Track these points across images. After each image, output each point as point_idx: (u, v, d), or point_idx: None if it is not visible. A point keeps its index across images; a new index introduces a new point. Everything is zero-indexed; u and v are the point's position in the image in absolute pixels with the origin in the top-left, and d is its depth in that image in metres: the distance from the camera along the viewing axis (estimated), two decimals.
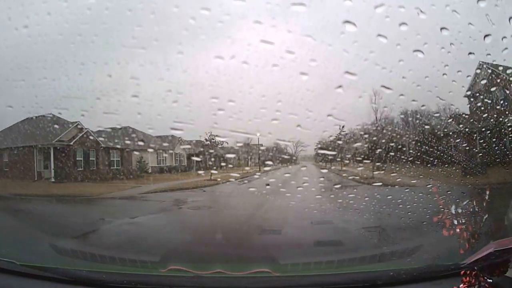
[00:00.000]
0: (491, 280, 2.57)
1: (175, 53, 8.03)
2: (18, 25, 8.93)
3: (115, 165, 29.49)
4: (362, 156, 17.57)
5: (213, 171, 22.05)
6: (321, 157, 27.71)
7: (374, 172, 16.80)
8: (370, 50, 6.63)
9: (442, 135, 19.42)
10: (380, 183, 14.51)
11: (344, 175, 21.54)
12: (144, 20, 8.52)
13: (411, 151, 21.31)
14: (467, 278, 2.64)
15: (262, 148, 28.13)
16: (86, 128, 27.31)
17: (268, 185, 14.26)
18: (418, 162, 16.14)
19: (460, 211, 3.38)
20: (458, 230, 3.24)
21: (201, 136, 23.17)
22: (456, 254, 3.08)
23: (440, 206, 3.63)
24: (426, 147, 18.18)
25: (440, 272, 3.03)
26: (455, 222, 3.30)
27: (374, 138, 19.98)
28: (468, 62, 6.29)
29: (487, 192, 3.50)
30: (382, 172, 15.98)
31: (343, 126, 18.49)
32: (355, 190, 15.04)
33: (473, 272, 2.63)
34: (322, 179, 17.53)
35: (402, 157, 18.46)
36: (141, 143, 24.22)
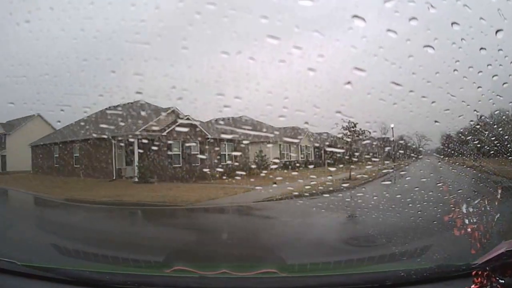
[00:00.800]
0: (503, 281, 2.50)
1: (180, 49, 7.97)
2: (19, 20, 8.91)
3: (226, 161, 24.12)
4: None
5: (344, 167, 18.36)
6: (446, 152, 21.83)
7: None
8: (379, 45, 6.55)
9: None
10: None
11: None
12: (147, 15, 8.46)
13: None
14: (479, 279, 2.58)
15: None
16: (185, 115, 21.33)
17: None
18: None
19: (471, 210, 3.32)
20: (469, 229, 3.19)
21: (334, 128, 17.79)
22: (468, 254, 3.02)
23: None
24: None
25: (451, 272, 2.97)
26: (466, 221, 3.24)
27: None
28: (479, 58, 6.17)
29: (499, 191, 3.44)
30: None
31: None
32: None
33: (485, 273, 2.56)
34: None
35: None
36: (260, 134, 20.11)
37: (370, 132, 20.45)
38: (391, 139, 25.30)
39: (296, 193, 11.56)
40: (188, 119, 21.12)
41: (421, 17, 5.45)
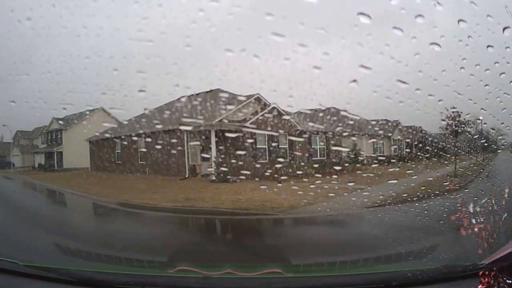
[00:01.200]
0: (510, 281, 2.47)
1: (183, 46, 7.89)
2: (21, 17, 8.86)
3: (317, 156, 21.67)
4: None
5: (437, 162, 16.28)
6: None
7: None
8: (385, 43, 6.52)
9: None
10: None
11: None
12: (150, 12, 8.41)
13: None
14: (486, 279, 2.55)
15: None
16: (272, 103, 18.93)
17: None
18: None
19: (478, 209, 3.29)
20: (476, 229, 3.15)
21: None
22: (474, 254, 2.98)
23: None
24: None
25: (458, 272, 2.94)
26: (473, 221, 3.20)
27: None
28: (486, 56, 6.11)
29: (506, 190, 3.40)
30: None
31: None
32: None
33: (492, 273, 2.53)
34: None
35: None
36: (351, 126, 18.14)
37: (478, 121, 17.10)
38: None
39: (413, 195, 9.46)
40: (274, 108, 18.63)
41: (427, 14, 5.41)
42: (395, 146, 26.41)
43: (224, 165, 16.79)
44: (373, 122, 21.78)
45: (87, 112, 28.86)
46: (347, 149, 21.31)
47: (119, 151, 25.41)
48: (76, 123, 31.32)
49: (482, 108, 8.82)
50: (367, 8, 4.69)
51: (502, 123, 10.53)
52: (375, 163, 19.48)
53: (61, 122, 32.09)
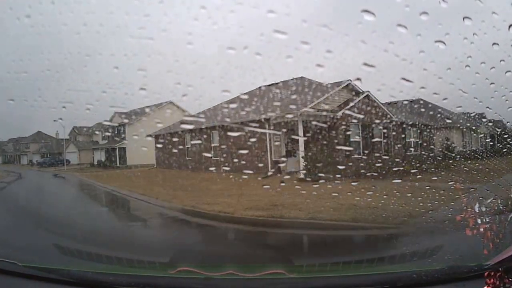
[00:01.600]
0: None
1: (185, 44, 7.84)
2: (20, 14, 8.82)
3: (413, 149, 19.99)
4: None
5: None
6: None
7: None
8: (389, 40, 6.46)
9: None
10: None
11: None
12: (151, 9, 8.38)
13: None
14: (491, 280, 2.51)
15: None
16: (365, 91, 17.24)
17: None
18: None
19: (484, 209, 3.24)
20: (481, 229, 3.11)
21: None
22: (480, 254, 2.94)
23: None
24: None
25: (463, 273, 2.90)
26: (479, 221, 3.16)
27: None
28: (492, 53, 6.06)
29: (315, 185, 3.35)
30: None
31: None
32: None
33: (498, 274, 2.49)
34: None
35: None
36: (441, 119, 16.79)
37: None
38: None
39: None
40: (368, 96, 16.62)
41: (432, 11, 5.36)
42: (481, 140, 24.38)
43: (314, 160, 14.53)
44: (461, 114, 20.13)
45: (155, 106, 27.28)
46: (441, 143, 19.91)
47: (189, 146, 23.60)
48: (141, 117, 29.53)
49: (487, 107, 8.74)
50: (371, 6, 4.65)
51: (508, 122, 10.38)
52: (467, 157, 17.73)
53: (124, 116, 30.97)
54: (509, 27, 5.26)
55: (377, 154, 17.20)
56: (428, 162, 15.84)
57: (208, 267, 3.64)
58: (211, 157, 21.08)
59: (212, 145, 21.13)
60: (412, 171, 12.72)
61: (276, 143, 18.08)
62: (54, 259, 4.75)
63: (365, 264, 4.33)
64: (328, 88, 16.67)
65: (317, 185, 11.26)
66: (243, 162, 17.19)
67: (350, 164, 15.00)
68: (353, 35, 7.07)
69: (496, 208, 3.22)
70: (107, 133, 38.51)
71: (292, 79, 14.86)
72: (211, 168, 18.73)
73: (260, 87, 13.53)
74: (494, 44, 5.87)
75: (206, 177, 17.08)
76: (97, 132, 44.58)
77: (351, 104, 16.96)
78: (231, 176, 14.66)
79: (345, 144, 16.38)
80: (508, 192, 3.37)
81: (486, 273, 2.57)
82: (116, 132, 35.45)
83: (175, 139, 24.46)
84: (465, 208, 3.32)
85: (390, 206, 8.77)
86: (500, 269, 2.48)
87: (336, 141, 15.79)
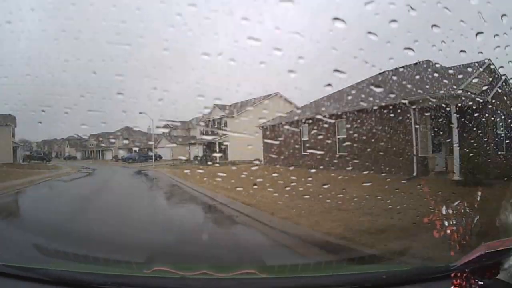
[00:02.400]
0: (482, 283, 2.49)
1: (161, 50, 7.93)
2: (0, 20, 8.76)
3: None
4: None
5: None
6: None
7: None
8: (359, 47, 6.63)
9: None
10: None
11: None
12: (129, 16, 8.41)
13: None
14: (458, 281, 2.56)
15: None
16: (502, 75, 13.01)
17: None
18: None
19: (451, 211, 3.32)
20: (448, 231, 3.18)
21: None
22: (447, 256, 3.01)
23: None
24: None
25: (430, 274, 2.96)
26: (446, 223, 3.23)
27: None
28: (459, 61, 6.26)
29: (478, 193, 3.44)
30: None
31: None
32: None
33: (464, 274, 2.55)
34: None
35: None
36: None
37: None
38: None
39: None
40: (506, 81, 13.48)
41: (401, 19, 5.50)
42: None
43: (474, 159, 11.85)
44: None
45: (260, 98, 23.68)
46: None
47: (306, 138, 19.77)
48: (245, 110, 26.24)
49: (455, 112, 9.01)
50: (342, 13, 4.74)
51: None
52: None
53: (226, 109, 29.31)
54: (476, 35, 5.45)
55: None
56: None
57: (183, 267, 3.61)
58: (335, 151, 17.34)
59: (338, 137, 17.56)
60: None
61: (421, 136, 14.43)
62: (33, 258, 4.66)
63: (335, 265, 4.37)
64: (461, 72, 12.20)
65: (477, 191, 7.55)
66: (379, 159, 13.87)
67: (503, 162, 12.48)
68: (324, 42, 7.21)
69: (462, 210, 3.30)
70: (206, 128, 36.46)
71: (416, 63, 12.12)
72: (333, 167, 15.09)
73: (382, 72, 11.12)
74: (461, 51, 6.07)
75: (332, 179, 12.42)
76: (195, 126, 42.65)
77: (496, 87, 13.42)
78: (362, 177, 11.21)
79: (493, 137, 13.34)
80: (475, 195, 3.46)
81: (452, 274, 2.62)
82: (216, 126, 33.31)
83: (288, 132, 20.91)
84: (433, 210, 3.40)
85: None
86: (466, 270, 2.53)
87: (484, 132, 12.70)
